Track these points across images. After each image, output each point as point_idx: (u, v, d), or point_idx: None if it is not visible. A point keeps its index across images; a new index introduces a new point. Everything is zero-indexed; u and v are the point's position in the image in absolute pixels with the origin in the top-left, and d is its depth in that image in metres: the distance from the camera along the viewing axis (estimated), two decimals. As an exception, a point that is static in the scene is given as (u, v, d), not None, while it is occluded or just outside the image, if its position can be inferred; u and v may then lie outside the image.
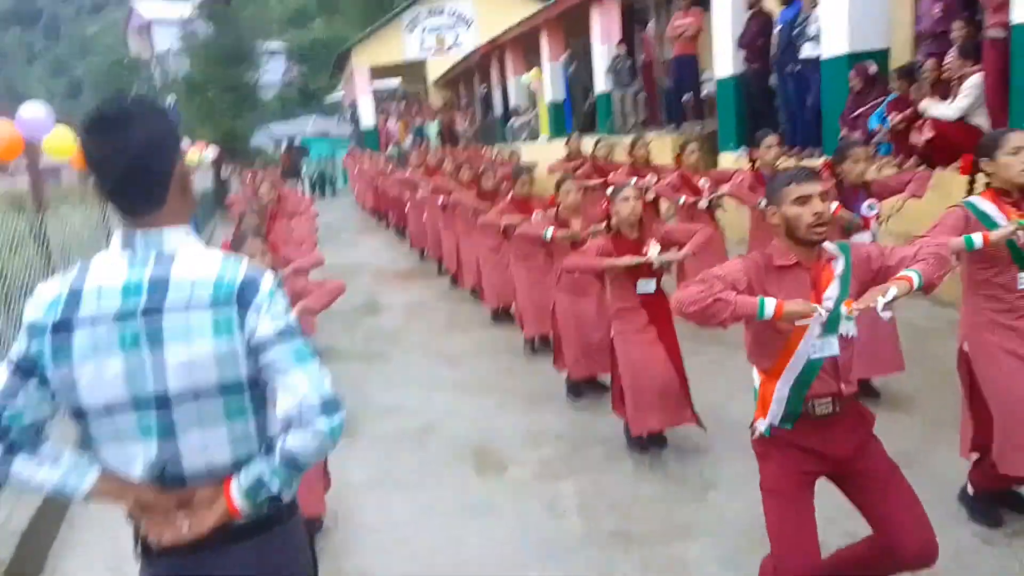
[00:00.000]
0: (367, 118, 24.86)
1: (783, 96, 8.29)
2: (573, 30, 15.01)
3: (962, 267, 2.92)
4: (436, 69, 24.89)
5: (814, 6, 7.59)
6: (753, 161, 5.35)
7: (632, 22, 13.69)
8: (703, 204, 5.87)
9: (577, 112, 14.78)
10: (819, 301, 2.27)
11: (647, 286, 3.89)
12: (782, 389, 2.32)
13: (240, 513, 1.52)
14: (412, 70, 26.14)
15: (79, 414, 1.51)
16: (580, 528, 3.50)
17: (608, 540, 3.36)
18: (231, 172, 22.03)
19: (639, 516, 3.53)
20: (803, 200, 2.27)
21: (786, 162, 5.59)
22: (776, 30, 8.43)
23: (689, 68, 10.59)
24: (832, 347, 2.30)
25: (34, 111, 5.01)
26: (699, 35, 10.28)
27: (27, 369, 1.49)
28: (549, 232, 4.70)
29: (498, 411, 5.00)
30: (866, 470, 2.35)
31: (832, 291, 2.29)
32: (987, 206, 2.78)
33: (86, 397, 1.49)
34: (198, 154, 14.05)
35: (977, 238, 2.70)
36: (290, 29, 47.51)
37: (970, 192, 2.90)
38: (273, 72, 37.57)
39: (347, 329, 7.59)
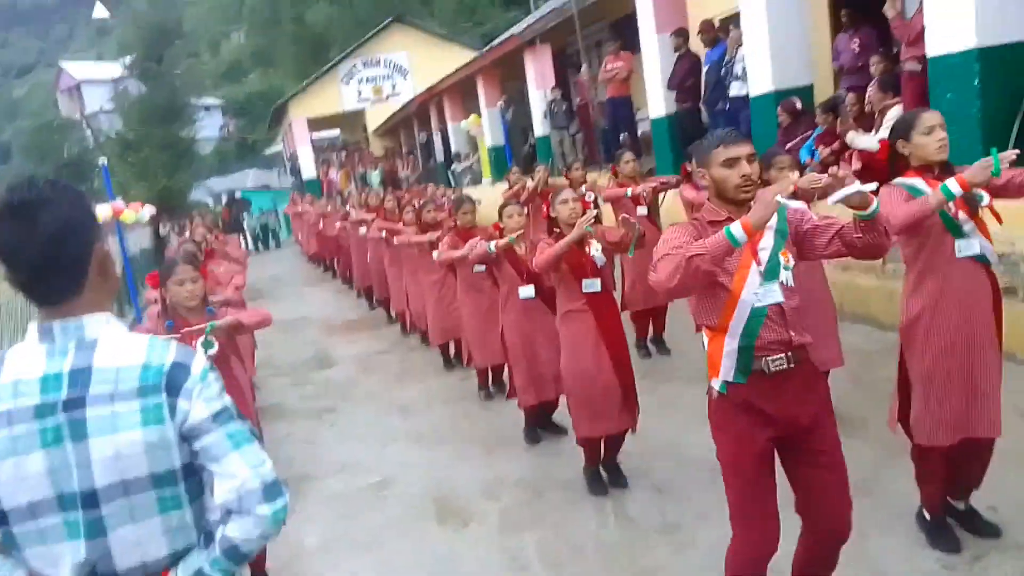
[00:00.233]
0: (308, 169, 24.75)
1: (716, 132, 8.53)
2: (508, 76, 15.30)
3: (901, 249, 2.97)
4: (375, 118, 25.03)
5: (738, 47, 7.89)
6: (616, 174, 6.38)
7: (565, 66, 14.01)
8: (642, 211, 6.04)
9: (517, 154, 14.99)
10: (754, 253, 2.32)
11: (593, 285, 3.94)
12: (731, 343, 2.35)
13: None
14: (351, 120, 26.24)
15: (0, 516, 1.41)
16: (545, 579, 3.44)
17: (574, 589, 3.31)
18: (169, 230, 21.58)
19: (603, 563, 3.48)
20: (731, 162, 2.34)
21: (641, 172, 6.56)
22: (704, 70, 8.74)
23: (624, 109, 10.86)
24: (775, 294, 2.33)
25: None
26: (631, 77, 10.57)
27: None
28: (492, 245, 4.67)
29: (455, 461, 4.93)
30: (812, 450, 2.40)
31: (766, 242, 2.36)
32: (916, 181, 2.85)
33: (7, 498, 1.38)
34: (134, 214, 13.72)
35: (953, 185, 2.67)
36: (225, 84, 47.32)
37: (893, 174, 2.96)
38: (210, 127, 37.27)
39: (296, 384, 7.43)
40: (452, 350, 6.98)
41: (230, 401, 1.48)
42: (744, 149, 2.35)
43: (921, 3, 5.66)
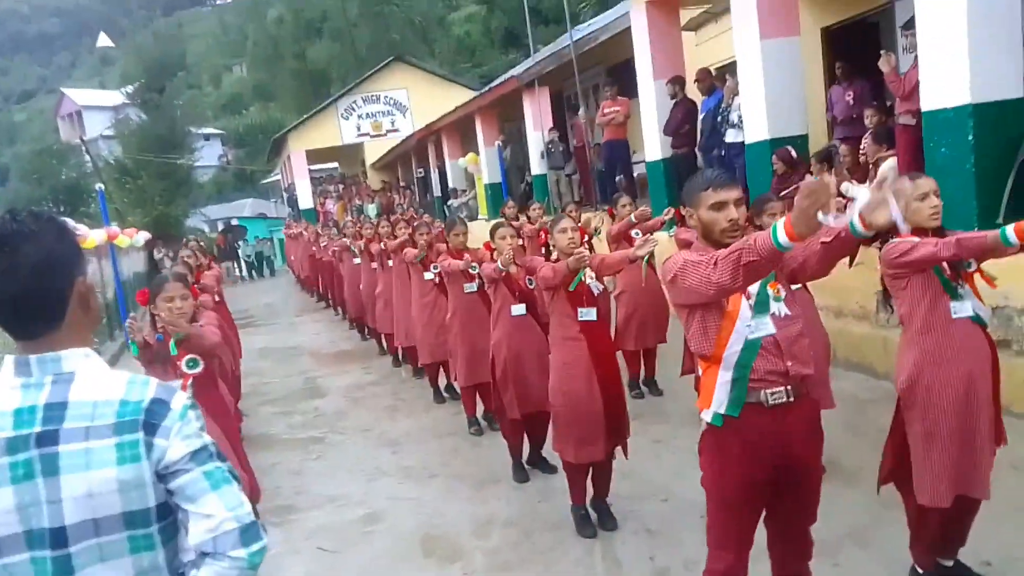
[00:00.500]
0: (305, 200, 24.89)
1: (711, 178, 8.64)
2: (507, 116, 15.51)
3: (898, 308, 2.98)
4: (373, 152, 25.26)
5: (735, 95, 8.03)
6: (612, 216, 6.45)
7: (563, 108, 14.22)
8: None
9: (514, 193, 15.11)
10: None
11: (588, 314, 3.95)
12: (724, 374, 2.33)
13: None
14: (349, 153, 26.46)
15: None
16: (533, 620, 3.39)
17: (562, 632, 3.25)
18: (164, 255, 21.61)
19: (592, 604, 3.43)
20: (719, 206, 2.34)
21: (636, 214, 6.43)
22: (700, 117, 8.88)
23: (620, 151, 11.00)
24: (767, 326, 2.32)
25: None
26: (627, 121, 10.72)
27: None
28: (500, 263, 4.63)
29: (444, 497, 4.87)
30: (796, 497, 2.42)
31: None
32: (912, 238, 2.84)
33: None
34: (128, 239, 13.73)
35: (1010, 229, 2.55)
36: (226, 115, 47.83)
37: (887, 239, 2.97)
38: (209, 156, 37.55)
39: (285, 414, 7.37)
40: (443, 382, 6.95)
41: (210, 440, 1.44)
42: (732, 193, 2.36)
43: (916, 59, 5.79)
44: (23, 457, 1.33)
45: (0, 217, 1.41)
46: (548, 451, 4.80)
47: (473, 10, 37.75)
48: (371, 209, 20.77)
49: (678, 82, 9.08)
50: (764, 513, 2.50)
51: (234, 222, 24.77)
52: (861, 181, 6.34)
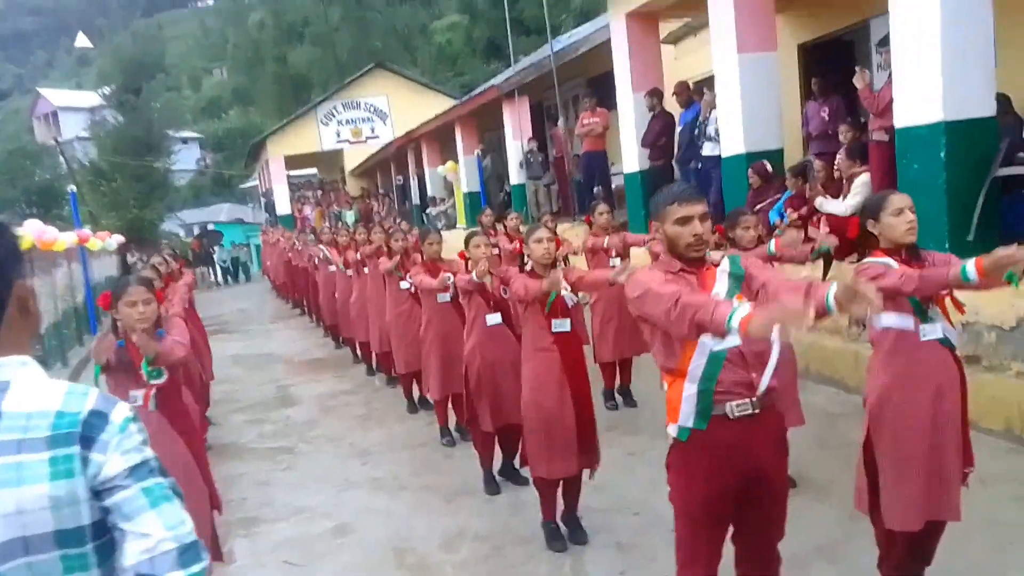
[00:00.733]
0: (282, 205, 24.71)
1: (688, 190, 8.66)
2: (487, 125, 15.50)
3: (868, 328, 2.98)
4: (352, 159, 25.15)
5: (712, 109, 8.08)
6: (590, 224, 6.41)
7: (543, 119, 14.25)
8: (615, 263, 6.06)
9: (492, 202, 15.10)
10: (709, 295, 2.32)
11: (563, 325, 3.91)
12: (690, 387, 2.33)
13: None
14: (328, 159, 26.33)
15: None
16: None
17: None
18: (137, 259, 21.34)
19: (561, 620, 3.39)
20: (684, 220, 2.36)
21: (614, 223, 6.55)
22: (678, 130, 8.92)
23: (599, 162, 11.01)
24: (732, 338, 2.26)
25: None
26: (606, 132, 10.75)
27: None
28: (475, 274, 4.56)
29: (415, 510, 4.80)
30: (763, 511, 2.42)
31: (720, 286, 2.38)
32: (888, 260, 2.85)
33: None
34: (100, 242, 13.53)
35: (971, 266, 2.57)
36: (205, 118, 47.41)
37: (863, 255, 3.00)
38: (186, 160, 37.18)
39: (255, 422, 7.26)
40: (416, 393, 6.88)
41: (152, 455, 1.36)
42: (697, 208, 2.37)
43: (890, 76, 5.85)
44: None
45: None
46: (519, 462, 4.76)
47: (456, 19, 37.85)
48: (349, 216, 20.67)
49: (656, 95, 9.12)
50: (732, 530, 2.48)
51: (210, 227, 24.49)
52: (835, 196, 6.39)
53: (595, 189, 10.94)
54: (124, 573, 1.32)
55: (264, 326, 14.02)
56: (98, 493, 1.30)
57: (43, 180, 31.51)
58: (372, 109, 24.66)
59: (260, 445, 6.52)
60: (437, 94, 24.24)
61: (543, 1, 12.57)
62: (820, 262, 6.12)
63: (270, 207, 25.70)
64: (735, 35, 7.37)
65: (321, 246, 10.59)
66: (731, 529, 2.50)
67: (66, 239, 10.37)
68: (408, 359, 6.58)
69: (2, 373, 1.32)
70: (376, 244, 7.26)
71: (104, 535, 1.33)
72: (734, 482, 2.34)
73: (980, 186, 5.19)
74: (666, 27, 10.66)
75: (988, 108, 5.31)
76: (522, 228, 8.38)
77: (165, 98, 39.57)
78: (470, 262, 4.81)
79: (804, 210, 6.56)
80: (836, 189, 6.50)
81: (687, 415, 2.34)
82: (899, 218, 2.84)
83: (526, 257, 4.06)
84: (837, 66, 8.00)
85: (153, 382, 3.35)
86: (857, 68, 6.75)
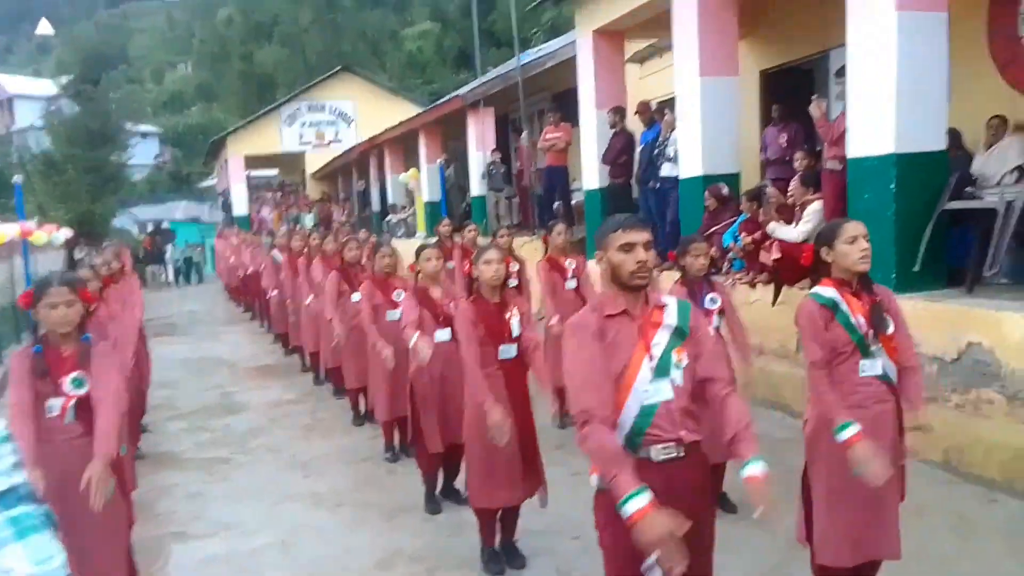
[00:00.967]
0: (239, 206, 24.26)
1: (645, 209, 8.69)
2: (451, 134, 15.42)
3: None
4: (315, 162, 24.85)
5: (672, 130, 8.11)
6: (546, 243, 6.27)
7: (507, 131, 14.22)
8: (571, 285, 6.00)
9: (454, 212, 14.99)
10: (647, 349, 2.30)
11: (508, 351, 3.82)
12: (618, 434, 2.28)
13: None
14: (290, 161, 25.98)
15: None
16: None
17: None
18: (86, 254, 20.74)
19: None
20: (627, 247, 2.31)
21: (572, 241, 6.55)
22: (639, 149, 8.94)
23: (560, 177, 11.00)
24: (665, 391, 2.29)
25: None
26: (568, 148, 10.74)
27: None
28: (412, 341, 4.49)
29: (352, 527, 4.66)
30: (690, 553, 2.30)
31: (660, 338, 2.33)
32: (830, 292, 2.87)
33: None
34: (46, 236, 13.07)
35: (847, 433, 2.69)
36: (166, 113, 46.46)
37: (815, 281, 3.00)
38: (144, 154, 36.38)
39: (192, 431, 7.02)
40: (363, 406, 6.72)
41: (23, 480, 1.25)
42: (641, 236, 2.33)
43: (844, 106, 5.91)
44: None
45: None
46: (462, 482, 4.65)
47: (427, 27, 37.81)
48: (308, 219, 20.37)
49: (619, 112, 9.14)
50: None
51: (165, 225, 23.91)
52: (788, 222, 6.43)
53: (555, 205, 10.93)
54: None
55: (213, 329, 13.68)
56: None
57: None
58: (337, 113, 24.41)
59: (196, 455, 6.30)
60: (404, 101, 24.10)
61: (514, 14, 12.57)
62: (771, 286, 6.15)
63: (227, 207, 25.23)
64: (698, 58, 7.41)
65: (275, 251, 10.39)
66: None
67: (7, 232, 9.98)
68: (358, 372, 6.43)
69: None
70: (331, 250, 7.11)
71: None
72: None
73: (928, 218, 5.25)
74: (633, 46, 10.71)
75: (939, 142, 5.39)
76: (480, 240, 8.34)
77: (126, 90, 38.71)
78: (419, 274, 4.71)
79: (758, 234, 6.59)
80: (789, 215, 6.55)
81: None
82: (853, 246, 2.84)
83: (476, 278, 3.95)
84: (797, 94, 8.08)
85: (75, 392, 3.14)
86: (814, 97, 6.83)
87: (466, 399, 3.92)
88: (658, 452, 2.27)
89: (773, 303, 5.88)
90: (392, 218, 17.84)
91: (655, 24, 8.62)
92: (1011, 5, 6.58)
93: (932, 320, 4.85)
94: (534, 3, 11.78)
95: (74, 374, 3.08)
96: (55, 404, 3.07)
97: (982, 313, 4.68)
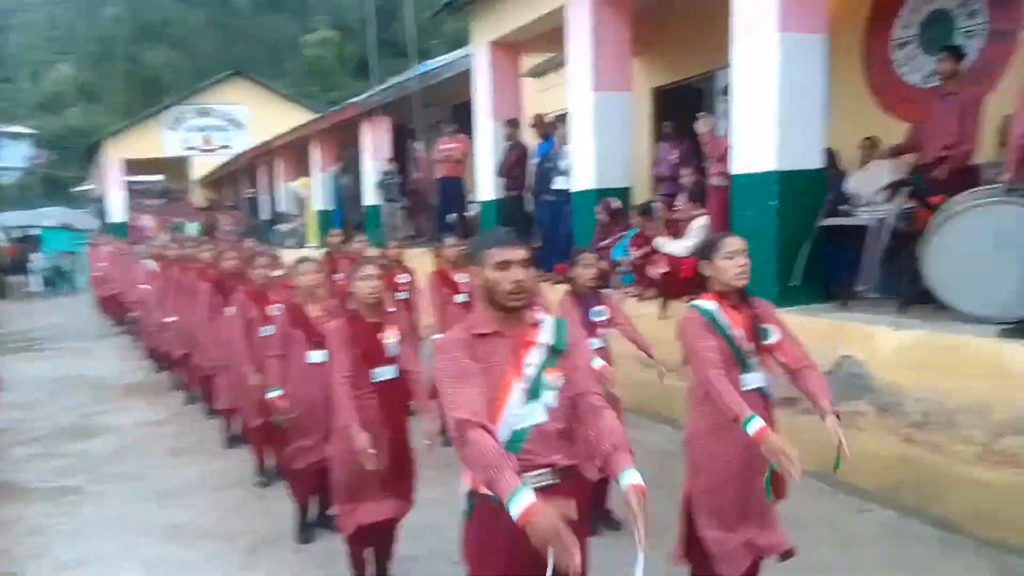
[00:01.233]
0: (116, 213, 22.84)
1: (539, 221, 8.64)
2: (347, 142, 15.01)
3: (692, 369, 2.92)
4: (202, 168, 23.78)
5: (565, 144, 8.08)
6: (438, 257, 6.20)
7: (404, 139, 13.96)
8: (460, 298, 5.82)
9: (348, 222, 14.56)
10: (518, 368, 2.17)
11: (383, 374, 3.58)
12: None
13: None
14: (175, 166, 24.78)
15: None
16: None
17: None
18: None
19: None
20: (504, 265, 2.17)
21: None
22: (534, 161, 8.88)
23: (455, 189, 10.83)
24: (537, 415, 2.17)
25: None
26: (465, 159, 10.58)
27: None
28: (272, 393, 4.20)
29: (210, 563, 4.25)
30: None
31: (534, 357, 2.20)
32: (711, 305, 2.87)
33: None
34: None
35: (752, 426, 2.60)
36: (42, 114, 43.54)
37: (696, 296, 3.00)
38: (15, 156, 33.97)
39: (41, 457, 6.35)
40: (238, 427, 6.27)
41: None
42: (518, 253, 2.19)
43: (729, 124, 5.99)
44: None
45: None
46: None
47: (327, 35, 37.10)
48: (192, 228, 19.39)
49: (513, 124, 9.07)
50: None
51: (34, 231, 22.19)
52: (676, 237, 6.46)
53: (448, 217, 10.74)
54: None
55: (81, 344, 12.66)
56: None
57: None
58: (227, 118, 23.44)
59: (43, 484, 5.68)
60: (301, 108, 23.41)
61: (412, 24, 12.36)
62: (658, 300, 6.14)
63: (102, 213, 23.71)
64: (592, 73, 7.41)
65: (149, 259, 9.73)
66: None
67: None
68: (235, 393, 5.98)
69: None
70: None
71: None
72: (529, 553, 2.08)
73: (807, 234, 5.35)
74: (532, 60, 10.68)
75: (817, 161, 5.52)
76: (368, 252, 8.02)
77: (-3, 88, 36.06)
78: (296, 290, 4.39)
79: (647, 249, 6.58)
80: (678, 230, 6.58)
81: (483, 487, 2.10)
82: (731, 261, 2.84)
83: (352, 294, 3.69)
84: (688, 111, 8.21)
85: None
86: (700, 114, 6.92)
87: (333, 422, 3.64)
88: (530, 480, 2.10)
89: (659, 317, 5.87)
90: (282, 227, 17.20)
91: (550, 38, 8.59)
92: (884, 32, 6.89)
93: (808, 333, 4.86)
94: (433, 13, 11.59)
95: None
96: None
97: (855, 327, 4.77)
